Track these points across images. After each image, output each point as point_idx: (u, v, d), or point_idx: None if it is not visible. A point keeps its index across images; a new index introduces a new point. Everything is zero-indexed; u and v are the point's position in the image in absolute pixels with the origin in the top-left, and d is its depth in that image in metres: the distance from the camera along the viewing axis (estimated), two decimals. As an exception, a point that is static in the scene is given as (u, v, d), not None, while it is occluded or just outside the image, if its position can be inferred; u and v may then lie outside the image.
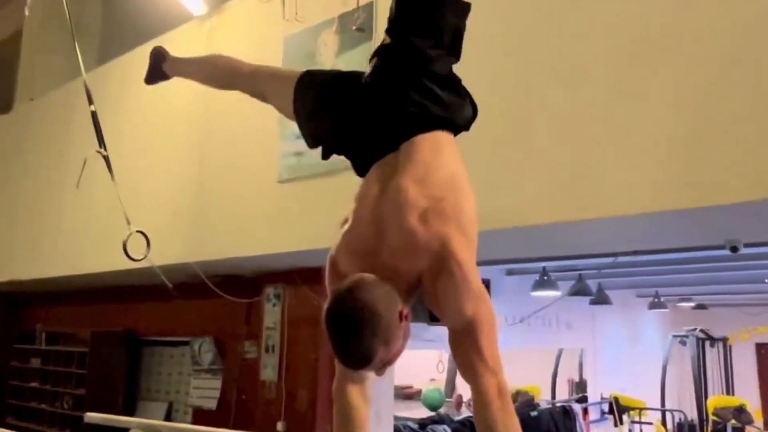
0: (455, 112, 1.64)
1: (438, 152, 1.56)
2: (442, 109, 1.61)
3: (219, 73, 2.18)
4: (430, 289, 1.48)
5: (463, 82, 1.70)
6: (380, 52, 1.69)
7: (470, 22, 1.67)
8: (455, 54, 1.67)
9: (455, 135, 1.66)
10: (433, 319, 1.69)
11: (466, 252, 1.47)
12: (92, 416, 3.05)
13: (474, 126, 1.70)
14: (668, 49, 2.63)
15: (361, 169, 1.69)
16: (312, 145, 1.80)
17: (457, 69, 1.69)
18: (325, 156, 1.80)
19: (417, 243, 1.46)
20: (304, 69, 1.86)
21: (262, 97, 2.01)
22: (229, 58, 2.20)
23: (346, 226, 1.57)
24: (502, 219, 2.93)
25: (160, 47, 2.38)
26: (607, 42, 2.81)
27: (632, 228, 3.02)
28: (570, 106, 2.87)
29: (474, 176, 3.04)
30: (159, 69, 2.31)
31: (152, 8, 5.84)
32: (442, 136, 1.60)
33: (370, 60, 1.72)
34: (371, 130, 1.63)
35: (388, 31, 1.69)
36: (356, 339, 1.37)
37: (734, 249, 3.17)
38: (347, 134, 1.69)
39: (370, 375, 1.70)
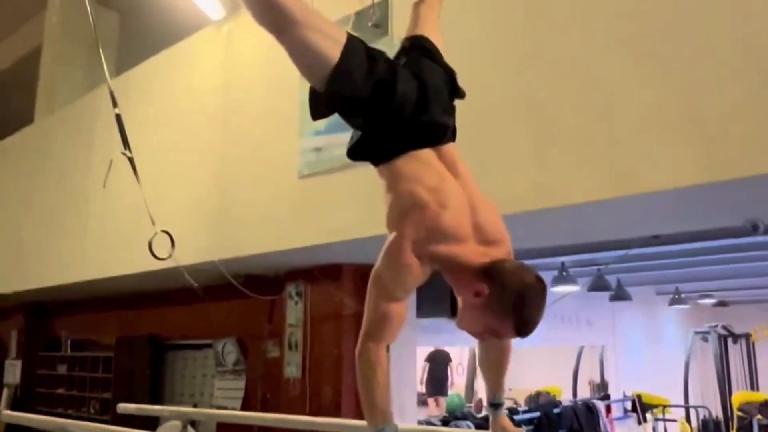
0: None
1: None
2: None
3: None
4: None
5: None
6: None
7: None
8: None
9: None
10: (454, 314, 1.75)
11: None
12: (125, 407, 3.11)
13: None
14: (688, 24, 2.67)
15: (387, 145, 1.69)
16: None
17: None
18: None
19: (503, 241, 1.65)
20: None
21: None
22: None
23: (434, 205, 1.57)
24: (529, 201, 2.99)
25: None
26: (629, 16, 2.86)
27: (650, 207, 3.04)
28: (593, 86, 2.91)
29: (507, 157, 3.09)
30: None
31: (169, 15, 5.95)
32: None
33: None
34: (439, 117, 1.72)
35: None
36: None
37: (755, 227, 3.18)
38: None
39: None
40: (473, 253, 1.54)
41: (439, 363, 10.77)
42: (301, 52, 1.58)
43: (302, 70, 1.63)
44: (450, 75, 1.78)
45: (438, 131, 1.69)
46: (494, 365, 1.80)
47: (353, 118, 1.69)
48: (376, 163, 1.70)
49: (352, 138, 1.73)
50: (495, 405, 1.78)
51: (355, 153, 1.71)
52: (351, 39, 1.60)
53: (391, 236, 1.55)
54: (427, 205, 1.55)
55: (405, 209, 1.56)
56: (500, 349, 1.77)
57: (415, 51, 1.80)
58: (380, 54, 1.66)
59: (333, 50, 1.56)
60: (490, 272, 1.50)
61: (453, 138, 1.75)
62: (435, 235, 1.53)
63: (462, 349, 11.34)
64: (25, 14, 9.05)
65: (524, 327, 1.49)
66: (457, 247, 1.54)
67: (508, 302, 1.47)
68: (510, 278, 1.48)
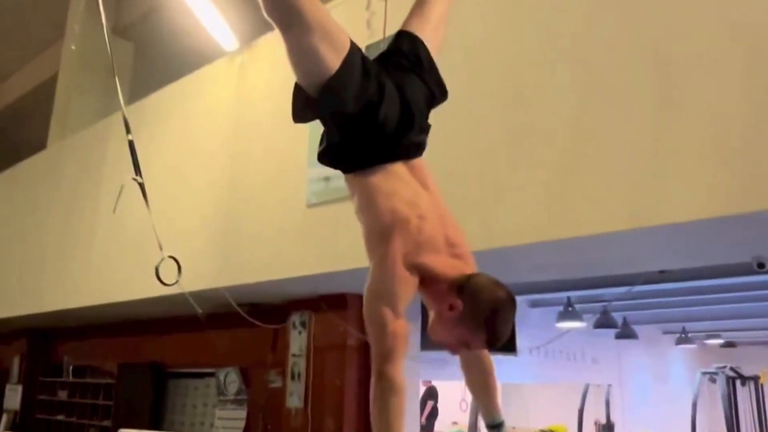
0: None
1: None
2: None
3: None
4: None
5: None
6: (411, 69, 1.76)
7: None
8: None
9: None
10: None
11: None
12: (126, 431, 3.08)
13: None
14: (705, 53, 2.71)
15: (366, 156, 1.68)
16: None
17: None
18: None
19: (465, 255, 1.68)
20: None
21: None
22: None
23: (415, 218, 1.60)
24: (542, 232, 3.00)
25: None
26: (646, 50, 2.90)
27: (660, 241, 3.04)
28: (606, 117, 2.94)
29: (520, 188, 3.10)
30: None
31: (182, 45, 6.07)
32: None
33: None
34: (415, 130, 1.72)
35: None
36: None
37: (761, 265, 3.17)
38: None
39: None
40: (447, 266, 1.60)
41: (433, 399, 10.76)
42: (301, 56, 1.55)
43: (295, 69, 1.60)
44: (431, 92, 1.75)
45: (412, 150, 1.72)
46: (482, 387, 1.81)
47: (333, 128, 1.70)
48: (346, 171, 1.72)
49: (321, 141, 1.73)
50: (495, 427, 1.77)
51: (327, 159, 1.73)
52: (351, 53, 1.57)
53: (380, 254, 1.57)
54: (410, 219, 1.59)
55: (389, 225, 1.59)
56: (482, 368, 1.78)
57: (407, 60, 1.74)
58: (373, 68, 1.64)
59: (333, 62, 1.54)
60: (465, 287, 1.53)
61: (423, 152, 1.77)
62: (419, 247, 1.58)
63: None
64: (43, 43, 9.28)
65: (495, 340, 1.54)
66: (436, 259, 1.59)
67: (481, 317, 1.51)
68: (484, 294, 1.52)
